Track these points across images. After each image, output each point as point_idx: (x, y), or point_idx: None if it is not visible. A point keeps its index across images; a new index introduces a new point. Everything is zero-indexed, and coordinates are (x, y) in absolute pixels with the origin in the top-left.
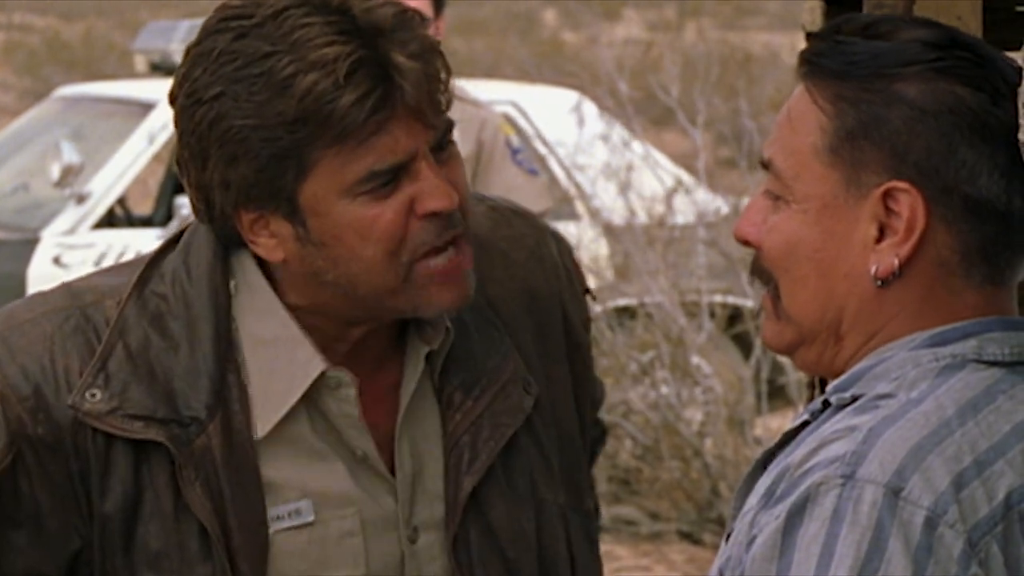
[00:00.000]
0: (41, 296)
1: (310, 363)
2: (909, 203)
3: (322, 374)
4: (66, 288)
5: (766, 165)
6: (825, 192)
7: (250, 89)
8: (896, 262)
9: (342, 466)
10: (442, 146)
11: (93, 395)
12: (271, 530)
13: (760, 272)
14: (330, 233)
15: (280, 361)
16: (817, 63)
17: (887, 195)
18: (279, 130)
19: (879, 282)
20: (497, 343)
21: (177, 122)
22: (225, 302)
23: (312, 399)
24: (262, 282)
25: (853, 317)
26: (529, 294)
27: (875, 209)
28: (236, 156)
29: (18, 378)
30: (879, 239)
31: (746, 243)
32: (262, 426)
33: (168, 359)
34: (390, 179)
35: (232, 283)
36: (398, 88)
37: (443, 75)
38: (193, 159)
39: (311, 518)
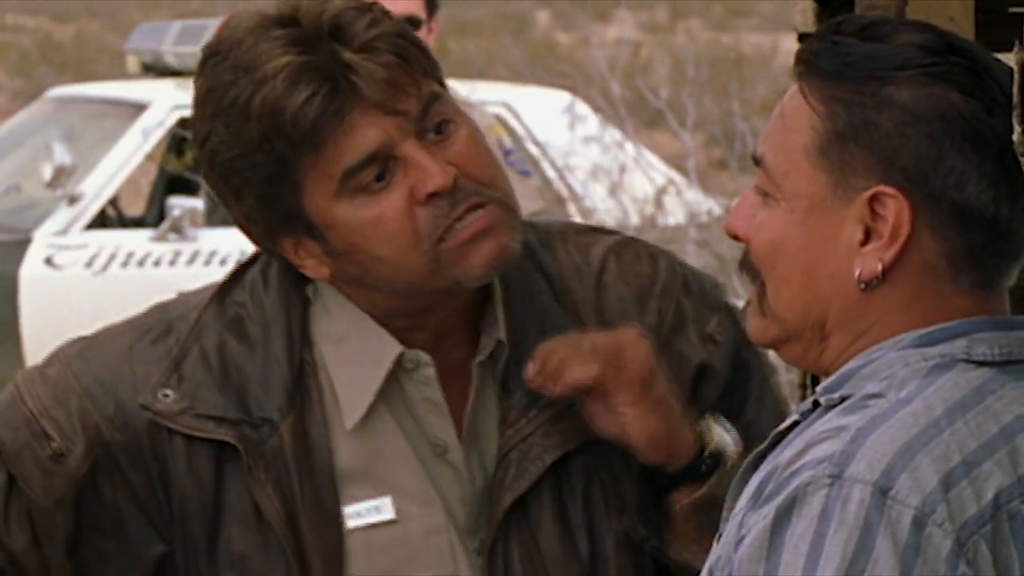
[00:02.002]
0: (134, 316)
1: (386, 347)
2: (895, 208)
3: (399, 358)
4: (157, 305)
5: (758, 161)
6: (813, 192)
7: (225, 122)
8: (880, 266)
9: (422, 460)
10: (439, 129)
11: (165, 395)
12: (348, 528)
13: (748, 267)
14: (346, 240)
15: (357, 353)
16: (813, 63)
17: (874, 199)
18: (257, 154)
19: (862, 285)
20: None
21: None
22: (300, 307)
23: (391, 389)
24: (331, 287)
25: (837, 318)
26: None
27: (861, 212)
28: (239, 189)
29: (95, 387)
30: (864, 242)
31: (736, 237)
32: (350, 418)
33: (244, 362)
34: (380, 173)
35: (310, 288)
36: (349, 84)
37: (408, 57)
38: (220, 201)
39: (391, 515)
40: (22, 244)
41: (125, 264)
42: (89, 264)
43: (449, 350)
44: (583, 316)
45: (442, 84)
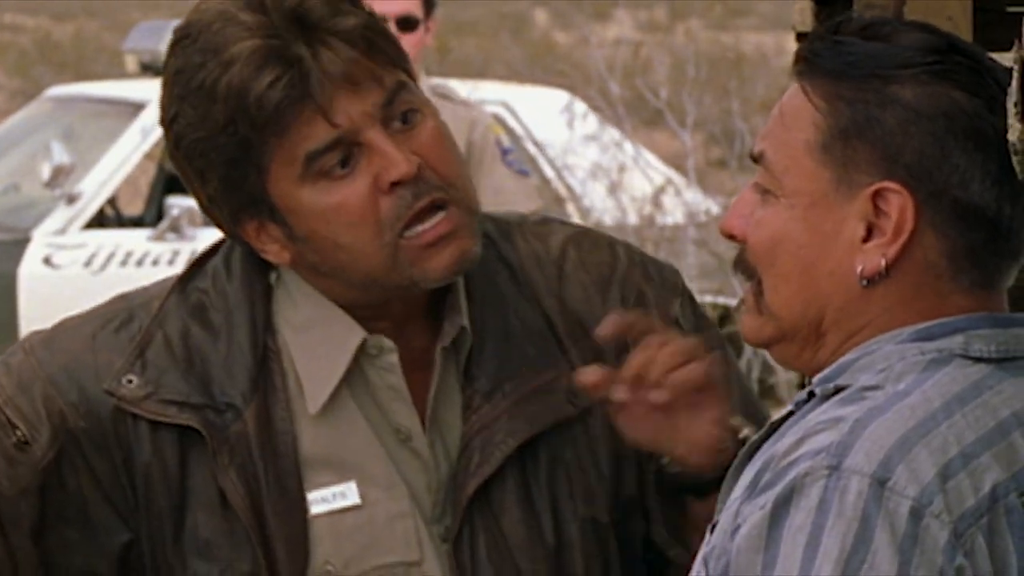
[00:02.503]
0: (96, 306)
1: (349, 333)
2: (899, 204)
3: (362, 344)
4: (119, 295)
5: (757, 158)
6: (815, 189)
7: (192, 103)
8: (883, 262)
9: (386, 447)
10: (405, 118)
11: (129, 381)
12: (311, 514)
13: (744, 266)
14: (307, 226)
15: (320, 339)
16: (814, 62)
17: (877, 195)
18: (221, 136)
19: (865, 282)
20: (542, 351)
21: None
22: (263, 293)
23: (354, 375)
24: (294, 273)
25: (835, 315)
26: (588, 316)
27: (864, 208)
28: (203, 171)
29: (59, 374)
30: (866, 239)
31: (732, 237)
32: (313, 404)
33: (207, 348)
34: (344, 159)
35: (273, 275)
36: (312, 69)
37: (372, 49)
38: (185, 182)
39: (356, 500)
40: (21, 243)
41: (124, 263)
42: (88, 263)
43: (412, 337)
44: (544, 304)
45: (410, 76)
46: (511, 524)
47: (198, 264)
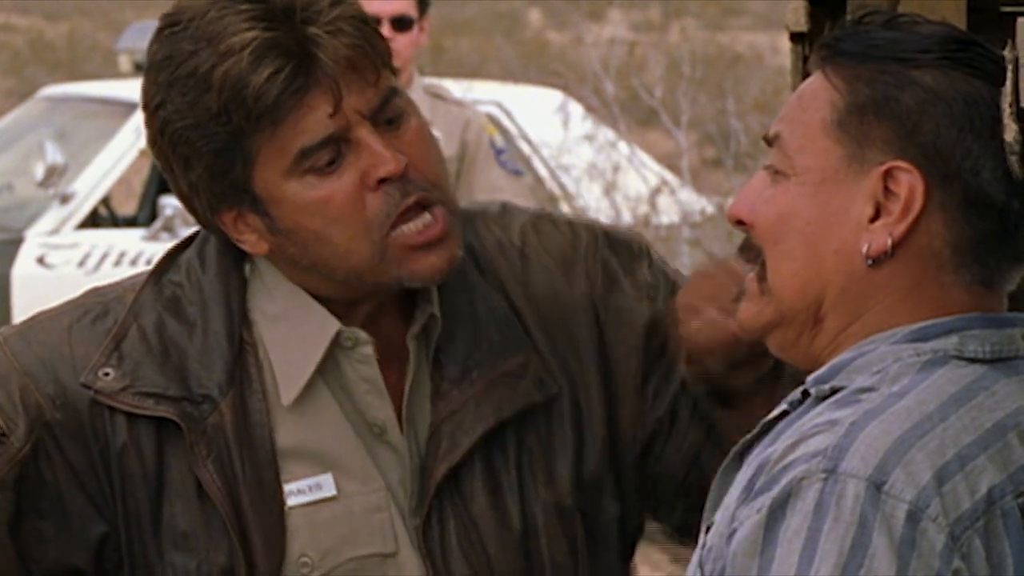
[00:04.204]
0: (69, 299)
1: (324, 324)
2: (909, 183)
3: (336, 336)
4: (92, 289)
5: (772, 141)
6: (827, 165)
7: (181, 91)
8: (889, 241)
9: (361, 439)
10: (391, 119)
11: (106, 373)
12: (288, 505)
13: (750, 249)
14: (291, 219)
15: (294, 331)
16: (836, 47)
17: (888, 174)
18: (212, 125)
19: (870, 261)
20: (509, 338)
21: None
22: (238, 286)
23: (329, 368)
24: (269, 265)
25: (836, 296)
26: (554, 300)
27: (874, 188)
28: (188, 159)
29: (36, 366)
30: (873, 219)
31: (739, 223)
32: (287, 395)
33: (182, 340)
34: (333, 156)
35: (247, 267)
36: (313, 62)
37: (371, 43)
38: (165, 170)
39: (332, 492)
40: (14, 243)
41: (117, 263)
42: (81, 263)
43: (386, 329)
44: (509, 290)
45: (395, 74)
46: (481, 510)
47: (171, 257)
